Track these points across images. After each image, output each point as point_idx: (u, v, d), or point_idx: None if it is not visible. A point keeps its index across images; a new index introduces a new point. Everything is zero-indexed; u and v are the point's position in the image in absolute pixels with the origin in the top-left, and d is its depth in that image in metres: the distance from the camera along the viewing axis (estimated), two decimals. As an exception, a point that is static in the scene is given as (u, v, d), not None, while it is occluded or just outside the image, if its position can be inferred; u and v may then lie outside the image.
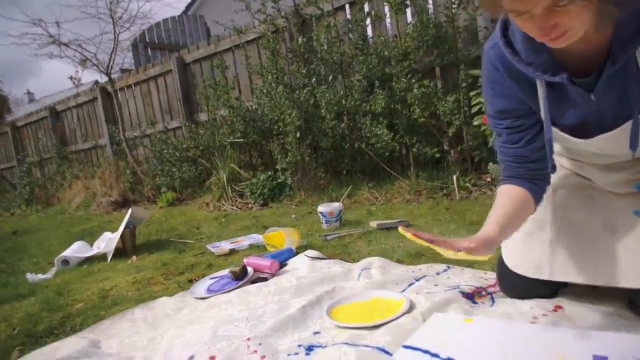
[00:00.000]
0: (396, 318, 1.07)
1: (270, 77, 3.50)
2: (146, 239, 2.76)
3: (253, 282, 1.57)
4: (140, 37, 7.17)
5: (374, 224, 2.12)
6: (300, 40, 3.38)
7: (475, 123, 2.55)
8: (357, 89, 3.14)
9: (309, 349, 1.01)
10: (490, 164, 2.66)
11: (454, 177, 2.63)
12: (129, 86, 5.43)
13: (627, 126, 0.80)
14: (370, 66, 3.10)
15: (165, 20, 7.87)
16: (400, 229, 0.82)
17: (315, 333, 1.09)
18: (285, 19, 3.55)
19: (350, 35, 3.34)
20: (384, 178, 3.09)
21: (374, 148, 3.08)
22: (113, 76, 5.34)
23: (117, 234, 2.35)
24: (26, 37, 5.42)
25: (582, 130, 0.86)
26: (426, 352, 0.82)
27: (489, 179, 2.66)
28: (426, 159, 2.99)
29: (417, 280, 1.35)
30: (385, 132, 2.98)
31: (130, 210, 2.44)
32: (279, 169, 3.51)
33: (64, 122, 6.57)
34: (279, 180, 3.46)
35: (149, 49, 7.48)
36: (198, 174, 4.21)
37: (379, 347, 0.92)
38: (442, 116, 2.86)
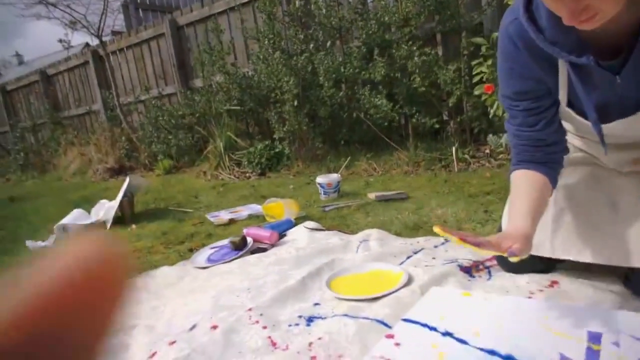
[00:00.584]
0: (395, 291, 1.09)
1: (266, 42, 3.41)
2: (145, 207, 2.76)
3: (253, 252, 1.59)
4: (131, -2, 6.92)
5: (372, 195, 2.13)
6: (297, 3, 3.27)
7: (476, 93, 2.52)
8: (356, 56, 3.07)
9: (310, 319, 1.04)
10: (490, 135, 2.65)
11: (453, 148, 2.62)
12: (120, 50, 5.29)
13: None
14: (370, 32, 3.02)
15: (156, -21, 7.59)
16: (439, 229, 0.77)
17: (315, 304, 1.12)
18: (283, -20, 3.43)
19: (350, -2, 3.24)
20: (382, 149, 3.08)
21: (372, 118, 3.05)
22: (104, 39, 5.18)
23: (116, 203, 2.35)
24: (12, -4, 5.21)
25: (601, 114, 0.83)
26: (425, 325, 0.84)
27: (487, 151, 2.66)
28: (425, 129, 2.97)
29: (415, 253, 1.37)
30: (385, 102, 2.94)
31: (128, 179, 2.43)
32: (277, 138, 3.48)
33: (55, 87, 6.43)
34: (277, 150, 3.44)
35: (140, 10, 7.23)
36: (195, 142, 4.17)
37: (378, 319, 0.95)
38: (442, 85, 2.82)
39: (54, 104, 6.42)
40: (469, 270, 1.21)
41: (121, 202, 2.36)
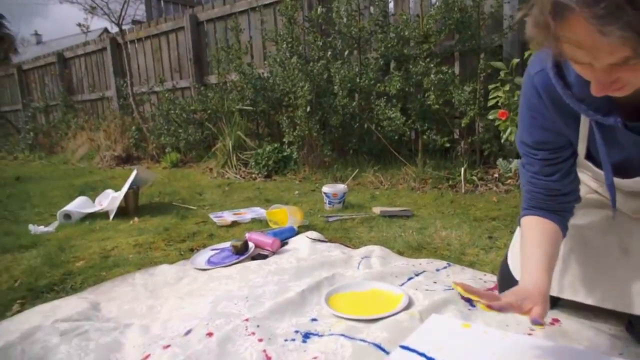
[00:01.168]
0: (394, 314, 1.08)
1: (285, 45, 3.42)
2: (149, 199, 2.77)
3: (253, 258, 1.58)
4: (154, -11, 6.97)
5: (377, 210, 2.12)
6: (319, 10, 3.28)
7: (490, 117, 2.50)
8: (373, 67, 3.07)
9: (306, 336, 1.03)
10: (500, 159, 2.64)
11: (462, 169, 2.61)
12: (139, 39, 5.33)
13: None
14: (389, 45, 3.02)
15: (181, -27, 7.64)
16: (461, 289, 0.76)
17: (313, 320, 1.11)
18: (306, -14, 3.44)
19: (372, 9, 3.24)
20: (390, 162, 3.07)
21: (384, 130, 3.05)
22: (124, 27, 5.22)
23: (121, 194, 2.36)
24: (35, -22, 5.27)
25: (622, 169, 0.83)
26: (422, 354, 0.83)
27: (496, 175, 2.64)
28: (435, 147, 2.96)
29: (417, 275, 1.36)
30: (399, 115, 2.94)
31: (135, 172, 2.44)
32: (286, 142, 3.48)
33: (71, 70, 6.48)
34: (285, 154, 3.45)
35: (162, 2, 7.29)
36: (204, 138, 4.19)
37: (376, 343, 0.94)
38: (456, 105, 2.82)
39: (68, 87, 6.47)
40: (470, 299, 1.19)
41: (126, 194, 2.36)
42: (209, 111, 4.03)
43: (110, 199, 2.38)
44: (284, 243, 1.72)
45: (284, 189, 2.93)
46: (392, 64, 3.15)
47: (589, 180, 1.02)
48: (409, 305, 1.14)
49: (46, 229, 2.15)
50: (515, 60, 2.47)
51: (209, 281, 1.39)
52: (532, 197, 0.92)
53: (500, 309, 0.72)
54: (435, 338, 0.90)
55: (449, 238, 1.73)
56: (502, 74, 2.46)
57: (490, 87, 2.58)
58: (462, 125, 2.83)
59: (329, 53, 3.27)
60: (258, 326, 1.05)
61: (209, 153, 4.03)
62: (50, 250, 1.82)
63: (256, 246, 1.64)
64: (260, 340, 1.00)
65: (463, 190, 2.52)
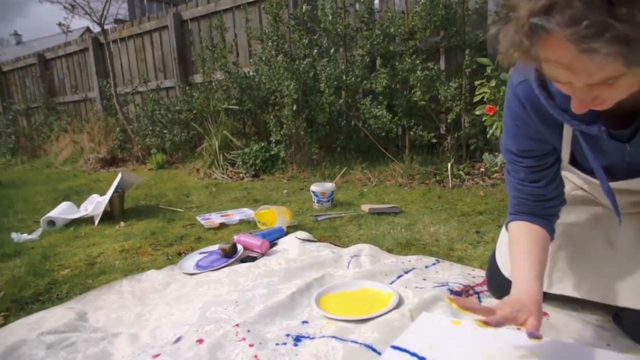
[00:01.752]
0: (385, 313, 1.08)
1: (270, 43, 3.40)
2: (135, 203, 2.73)
3: (242, 260, 1.57)
4: (136, -13, 6.86)
5: (365, 207, 2.12)
6: (304, 7, 3.26)
7: (477, 113, 2.52)
8: (359, 65, 3.06)
9: (297, 339, 1.02)
10: (486, 153, 2.66)
11: (449, 164, 2.63)
12: (122, 39, 5.24)
13: None
14: (375, 42, 3.02)
15: (162, -29, 7.52)
16: (456, 305, 0.76)
17: (304, 322, 1.10)
18: (291, -17, 3.42)
19: (357, 6, 3.23)
20: (378, 158, 3.07)
21: (371, 128, 3.05)
22: (106, 27, 5.13)
23: (106, 198, 2.32)
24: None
25: (607, 173, 0.83)
26: (414, 354, 0.83)
27: (482, 169, 2.66)
28: (422, 143, 2.98)
29: (406, 272, 1.37)
30: (385, 113, 2.94)
31: (120, 175, 2.40)
32: (273, 140, 3.46)
33: (52, 71, 6.36)
34: (272, 152, 3.43)
35: (145, 1, 7.17)
36: (190, 138, 4.14)
37: (367, 344, 0.94)
38: (442, 101, 2.83)
39: (50, 89, 6.34)
40: (459, 294, 1.20)
41: (111, 198, 2.33)
42: (194, 111, 3.99)
43: (95, 204, 2.34)
44: (273, 244, 1.71)
45: (272, 188, 2.92)
46: (378, 61, 3.15)
47: (574, 177, 1.03)
48: (399, 303, 1.14)
49: (29, 236, 2.11)
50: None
51: (198, 286, 1.38)
52: (519, 203, 0.92)
53: (497, 324, 0.72)
54: (426, 337, 0.90)
55: (437, 234, 1.74)
56: (488, 70, 2.48)
57: (477, 83, 2.59)
58: (448, 120, 2.85)
59: (315, 51, 3.25)
60: (248, 331, 1.04)
61: (196, 153, 3.99)
62: (34, 259, 1.78)
63: (245, 248, 1.63)
64: (251, 345, 0.99)
65: (450, 185, 2.54)
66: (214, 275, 1.44)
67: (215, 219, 2.13)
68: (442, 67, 2.99)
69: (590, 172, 0.85)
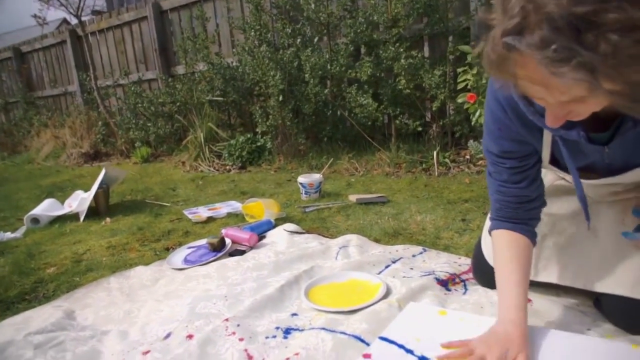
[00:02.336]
0: (373, 304, 1.10)
1: (253, 33, 3.35)
2: (120, 198, 2.70)
3: (231, 254, 1.57)
4: (113, -24, 6.67)
5: (353, 197, 2.14)
6: (286, -4, 3.22)
7: (460, 101, 2.54)
8: (343, 54, 3.05)
9: (287, 332, 1.03)
10: (471, 141, 2.69)
11: (435, 152, 2.65)
12: (100, 31, 5.12)
13: (637, 171, 0.80)
14: (358, 30, 3.00)
15: (140, -41, 7.31)
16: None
17: (293, 315, 1.11)
18: (272, -29, 3.36)
19: (340, -6, 3.20)
20: (364, 148, 3.08)
21: (357, 117, 3.05)
22: (84, 18, 4.99)
23: (90, 194, 2.29)
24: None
25: (587, 172, 0.85)
26: (401, 346, 0.85)
27: (467, 156, 2.69)
28: (408, 131, 2.99)
29: (394, 262, 1.38)
30: (371, 102, 2.94)
31: (104, 170, 2.36)
32: (259, 132, 3.44)
33: (30, 65, 6.19)
34: (259, 144, 3.41)
35: (122, -10, 6.98)
36: (174, 131, 4.09)
37: (356, 335, 0.95)
38: (427, 88, 2.84)
39: (28, 83, 6.18)
40: (445, 283, 1.23)
41: (96, 194, 2.30)
42: (177, 103, 3.93)
43: (79, 200, 2.31)
44: (261, 237, 1.71)
45: (260, 180, 2.91)
46: (363, 50, 3.14)
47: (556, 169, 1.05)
48: (387, 294, 1.16)
49: (13, 235, 2.08)
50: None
51: (187, 281, 1.38)
52: (501, 207, 0.92)
53: None
54: (413, 328, 0.92)
55: (424, 222, 1.77)
56: (469, 57, 2.49)
57: (459, 70, 2.60)
58: (433, 108, 2.86)
59: (299, 40, 3.22)
60: (238, 325, 1.05)
61: (181, 146, 3.94)
62: (19, 258, 1.75)
63: (233, 242, 1.63)
64: (241, 339, 1.00)
65: (436, 173, 2.57)
66: (203, 270, 1.44)
67: (203, 212, 2.12)
68: (426, 54, 3.00)
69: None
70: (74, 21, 5.10)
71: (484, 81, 2.42)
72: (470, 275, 1.26)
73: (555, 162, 0.88)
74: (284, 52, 3.18)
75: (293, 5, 3.26)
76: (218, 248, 1.58)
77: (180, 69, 4.29)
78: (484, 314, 1.04)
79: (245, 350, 0.96)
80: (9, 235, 2.07)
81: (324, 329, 1.00)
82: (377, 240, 1.62)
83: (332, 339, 0.94)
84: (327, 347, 0.92)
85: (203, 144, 3.61)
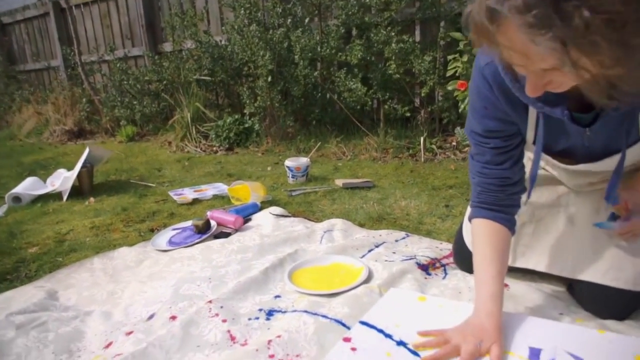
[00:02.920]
0: (354, 287, 1.12)
1: (242, 11, 3.28)
2: (105, 177, 2.67)
3: (216, 237, 1.57)
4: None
5: (339, 182, 2.14)
6: (277, -26, 3.15)
7: (450, 88, 2.54)
8: (334, 36, 3.01)
9: (270, 313, 1.05)
10: (458, 127, 2.70)
11: (422, 138, 2.66)
12: (85, 4, 4.95)
13: (615, 159, 0.81)
14: (350, 12, 2.96)
15: None
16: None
17: (276, 297, 1.13)
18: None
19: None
20: (352, 132, 3.08)
21: (346, 101, 3.04)
22: (67, -10, 4.83)
23: (74, 173, 2.25)
24: None
25: (568, 156, 0.86)
26: (381, 331, 0.87)
27: (454, 143, 2.71)
28: (396, 116, 2.99)
29: (377, 246, 1.41)
30: (360, 86, 2.93)
31: (87, 149, 2.33)
32: (247, 113, 3.41)
33: (11, 37, 5.98)
34: (246, 125, 3.38)
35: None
36: (161, 110, 4.02)
37: (337, 319, 0.97)
38: (417, 74, 2.83)
39: (9, 56, 5.99)
40: (426, 267, 1.25)
41: (80, 173, 2.26)
42: (164, 81, 3.85)
43: (62, 179, 2.28)
44: (247, 220, 1.72)
45: (247, 162, 2.90)
46: (354, 32, 3.10)
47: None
48: (369, 277, 1.18)
49: (-6, 213, 2.05)
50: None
51: (171, 263, 1.38)
52: (483, 190, 0.92)
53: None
54: (393, 314, 0.94)
55: (408, 208, 1.79)
56: (460, 44, 2.48)
57: (449, 57, 2.60)
58: (422, 94, 2.86)
59: (289, 20, 3.17)
60: (222, 307, 1.06)
61: (167, 126, 3.89)
62: (0, 237, 1.73)
63: (218, 224, 1.63)
64: (224, 320, 1.01)
65: (423, 160, 2.58)
66: (187, 252, 1.44)
67: (188, 194, 2.11)
68: (417, 39, 2.98)
69: (552, 152, 0.88)
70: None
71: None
72: (451, 259, 1.29)
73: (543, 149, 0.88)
74: (274, 32, 3.13)
75: (284, -16, 3.20)
76: (203, 230, 1.58)
77: (167, 46, 4.20)
78: (462, 299, 1.07)
79: (228, 331, 0.97)
80: (-10, 213, 2.04)
81: (306, 311, 1.02)
82: (361, 225, 1.64)
83: (314, 323, 0.96)
84: (309, 331, 0.94)
85: (190, 124, 3.56)
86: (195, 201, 2.04)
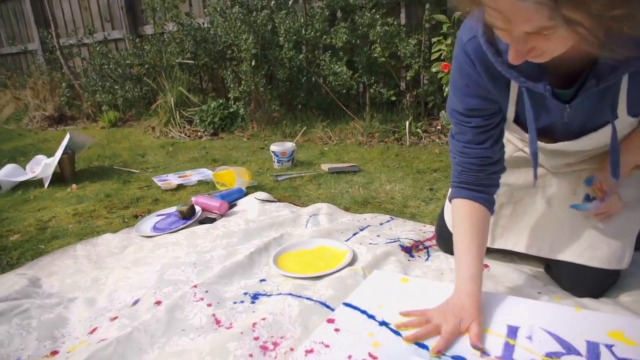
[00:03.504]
0: (338, 270, 1.13)
1: (225, -7, 3.22)
2: (87, 164, 2.62)
3: (201, 222, 1.57)
4: None
5: (325, 167, 2.15)
6: (260, -45, 3.08)
7: (434, 70, 2.54)
8: (319, 18, 2.97)
9: (255, 297, 1.06)
10: (442, 111, 2.72)
11: (407, 122, 2.67)
12: (61, -16, 4.78)
13: (592, 136, 0.82)
14: (334, -6, 2.93)
15: None
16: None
17: (261, 280, 1.14)
18: None
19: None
20: (338, 116, 3.07)
21: (331, 85, 3.02)
22: (42, -30, 4.65)
23: (54, 160, 2.21)
24: None
25: (547, 134, 0.86)
26: (364, 312, 0.89)
27: (439, 127, 2.73)
28: (382, 100, 2.99)
29: (362, 230, 1.42)
30: (345, 69, 2.91)
31: (68, 135, 2.28)
32: (231, 97, 3.37)
33: (-17, 19, 5.76)
34: (231, 110, 3.34)
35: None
36: (143, 94, 3.95)
37: (321, 301, 0.98)
38: (402, 57, 2.82)
39: (-18, 39, 5.77)
40: (409, 250, 1.27)
41: (61, 159, 2.22)
42: (146, 65, 3.77)
43: (43, 166, 2.23)
44: (232, 205, 1.72)
45: (232, 147, 2.87)
46: (339, 15, 3.07)
47: (515, 140, 1.08)
48: (353, 260, 1.20)
49: (-27, 201, 2.00)
50: (458, 13, 2.48)
51: (155, 248, 1.38)
52: (463, 170, 0.92)
53: (447, 342, 0.77)
54: (376, 295, 0.96)
55: (393, 192, 1.80)
56: (444, 27, 2.48)
57: (434, 40, 2.59)
58: (408, 78, 2.86)
59: (273, 2, 3.11)
60: (207, 291, 1.06)
61: (150, 111, 3.82)
62: (-20, 225, 1.70)
63: (203, 210, 1.63)
64: (209, 305, 1.01)
65: (408, 143, 2.60)
66: (172, 238, 1.44)
67: (173, 180, 2.09)
68: (403, 22, 2.96)
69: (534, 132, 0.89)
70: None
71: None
72: (434, 242, 1.31)
73: (519, 122, 0.89)
74: (258, 14, 3.08)
75: (267, -36, 3.13)
76: (188, 216, 1.57)
77: (148, 29, 4.10)
78: (444, 280, 1.09)
79: (213, 315, 0.98)
80: (-32, 201, 1.99)
81: (290, 294, 1.03)
82: (346, 209, 1.65)
83: (299, 305, 0.97)
84: (294, 313, 0.95)
85: (173, 109, 3.51)
86: (180, 187, 2.03)
